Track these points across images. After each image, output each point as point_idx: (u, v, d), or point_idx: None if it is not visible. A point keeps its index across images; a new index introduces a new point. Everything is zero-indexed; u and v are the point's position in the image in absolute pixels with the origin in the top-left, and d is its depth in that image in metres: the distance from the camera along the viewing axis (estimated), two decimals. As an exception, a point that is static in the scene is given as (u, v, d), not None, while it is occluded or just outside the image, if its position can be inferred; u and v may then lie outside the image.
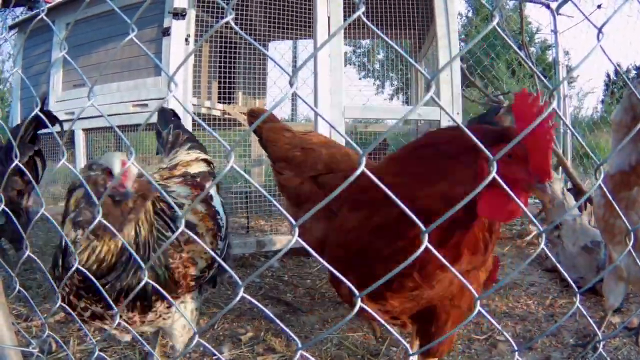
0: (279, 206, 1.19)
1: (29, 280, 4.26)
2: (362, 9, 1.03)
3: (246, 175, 1.20)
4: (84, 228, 1.98)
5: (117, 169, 1.96)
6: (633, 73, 19.71)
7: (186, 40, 5.54)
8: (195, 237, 1.43)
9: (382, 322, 1.18)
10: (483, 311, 1.17)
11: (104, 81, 6.32)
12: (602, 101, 19.37)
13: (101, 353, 1.89)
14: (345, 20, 4.90)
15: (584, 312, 1.39)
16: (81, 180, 1.91)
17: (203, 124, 1.20)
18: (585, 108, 21.46)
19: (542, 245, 1.18)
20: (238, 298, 1.25)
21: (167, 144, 3.06)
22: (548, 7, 8.04)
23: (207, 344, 1.44)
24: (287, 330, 1.27)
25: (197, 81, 6.40)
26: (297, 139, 3.46)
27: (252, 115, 3.71)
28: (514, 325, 3.48)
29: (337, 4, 5.26)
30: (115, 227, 1.82)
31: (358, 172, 1.06)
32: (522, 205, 1.29)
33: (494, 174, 1.08)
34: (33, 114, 1.83)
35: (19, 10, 13.34)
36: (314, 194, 3.19)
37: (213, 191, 2.88)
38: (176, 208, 1.35)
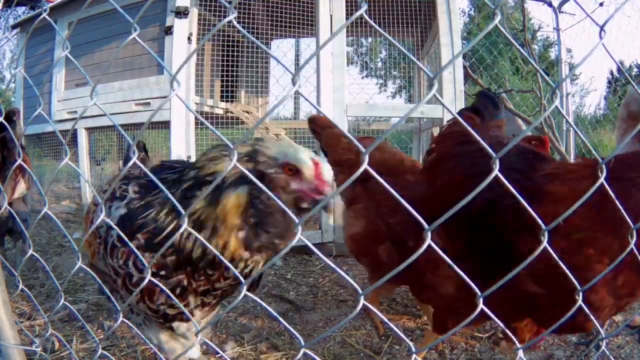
0: (281, 204, 1.19)
1: (32, 279, 4.27)
2: (365, 7, 1.03)
3: (249, 174, 1.19)
4: (262, 251, 1.61)
5: (309, 169, 1.54)
6: (635, 71, 19.67)
7: (188, 38, 5.55)
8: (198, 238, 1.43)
9: (385, 320, 1.18)
10: (486, 309, 1.17)
11: (107, 80, 6.34)
12: (605, 98, 19.36)
13: (104, 351, 1.89)
14: (347, 18, 4.90)
15: (587, 310, 1.39)
16: (231, 177, 1.55)
17: (206, 122, 1.20)
18: (587, 106, 21.43)
19: (544, 243, 1.18)
20: (241, 296, 1.25)
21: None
22: (550, 4, 8.03)
23: (210, 342, 1.44)
24: (290, 328, 1.27)
25: (199, 80, 6.42)
26: (354, 144, 3.54)
27: (312, 121, 3.84)
28: (516, 323, 3.48)
29: (340, 2, 5.26)
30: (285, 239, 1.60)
31: (360, 171, 1.06)
32: (526, 204, 1.28)
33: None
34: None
35: (21, 10, 13.40)
36: (360, 196, 3.24)
37: None
38: (179, 206, 1.35)
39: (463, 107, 5.44)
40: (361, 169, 1.06)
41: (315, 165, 1.55)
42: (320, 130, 3.68)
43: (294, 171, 1.54)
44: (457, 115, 1.19)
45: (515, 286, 1.89)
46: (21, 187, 4.01)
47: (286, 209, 1.17)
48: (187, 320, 1.84)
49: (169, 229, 1.63)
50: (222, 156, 1.62)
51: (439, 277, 2.35)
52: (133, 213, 1.74)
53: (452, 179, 2.29)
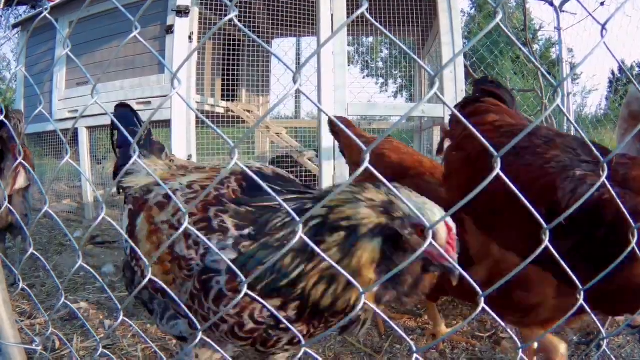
0: (281, 202, 1.19)
1: (33, 278, 4.27)
2: (366, 5, 1.02)
3: (250, 172, 1.19)
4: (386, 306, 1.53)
5: (442, 233, 1.45)
6: (637, 70, 19.67)
7: (190, 37, 5.56)
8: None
9: (386, 319, 1.18)
10: (487, 308, 1.17)
11: (108, 79, 6.34)
12: (607, 98, 19.37)
13: (105, 350, 1.89)
14: (348, 17, 4.89)
15: (588, 310, 1.39)
16: (362, 230, 1.44)
17: (207, 121, 1.20)
18: (589, 106, 21.42)
19: (546, 242, 1.17)
20: (242, 296, 1.25)
21: (155, 144, 2.47)
22: (551, 4, 8.01)
23: (211, 342, 1.44)
24: (291, 327, 1.27)
25: (200, 78, 6.42)
26: (356, 143, 3.56)
27: (331, 124, 3.85)
28: (517, 323, 3.47)
29: (340, 1, 5.26)
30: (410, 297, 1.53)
31: (361, 169, 1.06)
32: (527, 203, 1.27)
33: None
34: None
35: (22, 9, 13.41)
36: None
37: None
38: (181, 206, 1.35)
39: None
40: (362, 168, 1.05)
41: (448, 229, 1.46)
42: (340, 130, 3.71)
43: (423, 232, 1.43)
44: (458, 114, 1.18)
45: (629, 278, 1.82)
46: (22, 179, 3.99)
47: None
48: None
49: (293, 275, 1.47)
50: (356, 200, 1.50)
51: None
52: (246, 260, 1.53)
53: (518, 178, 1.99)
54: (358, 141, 1.09)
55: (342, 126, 1.23)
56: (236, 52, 7.33)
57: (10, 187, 3.85)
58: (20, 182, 3.98)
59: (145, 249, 1.77)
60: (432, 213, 1.45)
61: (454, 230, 1.47)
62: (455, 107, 2.76)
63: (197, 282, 1.58)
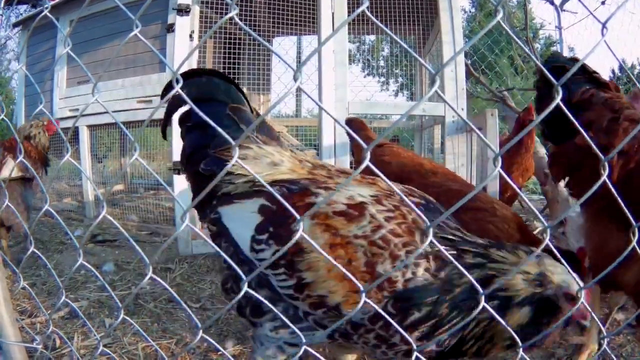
0: (282, 200, 1.19)
1: (34, 276, 4.27)
2: (366, 4, 1.02)
3: (250, 170, 1.20)
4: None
5: (584, 299, 1.54)
6: (638, 69, 19.66)
7: (190, 36, 5.54)
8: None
9: (387, 317, 1.18)
10: (488, 307, 1.17)
11: (109, 78, 6.33)
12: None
13: (105, 349, 1.90)
14: (349, 15, 4.88)
15: (589, 309, 1.39)
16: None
17: (207, 119, 1.20)
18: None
19: (547, 241, 1.17)
20: (242, 293, 1.25)
21: (272, 129, 2.28)
22: (552, 3, 8.01)
23: (211, 339, 1.44)
24: (292, 325, 1.27)
25: (201, 77, 6.39)
26: (375, 149, 3.60)
27: (348, 124, 3.93)
28: (518, 322, 3.47)
29: (341, -1, 5.25)
30: None
31: (362, 167, 1.06)
32: (528, 201, 1.26)
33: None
34: None
35: (22, 7, 13.39)
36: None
37: None
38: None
39: (465, 104, 5.41)
40: (363, 166, 1.06)
41: (587, 296, 1.60)
42: (355, 133, 3.75)
43: (570, 298, 1.60)
44: (459, 112, 1.18)
45: None
46: (10, 166, 4.00)
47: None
48: None
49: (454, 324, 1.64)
50: (515, 273, 1.62)
51: None
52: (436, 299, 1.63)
53: None
54: (359, 140, 1.10)
55: (345, 126, 1.23)
56: (237, 51, 7.32)
57: None
58: (9, 169, 3.99)
59: (324, 261, 1.65)
60: (575, 284, 1.60)
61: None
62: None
63: (392, 307, 1.58)
